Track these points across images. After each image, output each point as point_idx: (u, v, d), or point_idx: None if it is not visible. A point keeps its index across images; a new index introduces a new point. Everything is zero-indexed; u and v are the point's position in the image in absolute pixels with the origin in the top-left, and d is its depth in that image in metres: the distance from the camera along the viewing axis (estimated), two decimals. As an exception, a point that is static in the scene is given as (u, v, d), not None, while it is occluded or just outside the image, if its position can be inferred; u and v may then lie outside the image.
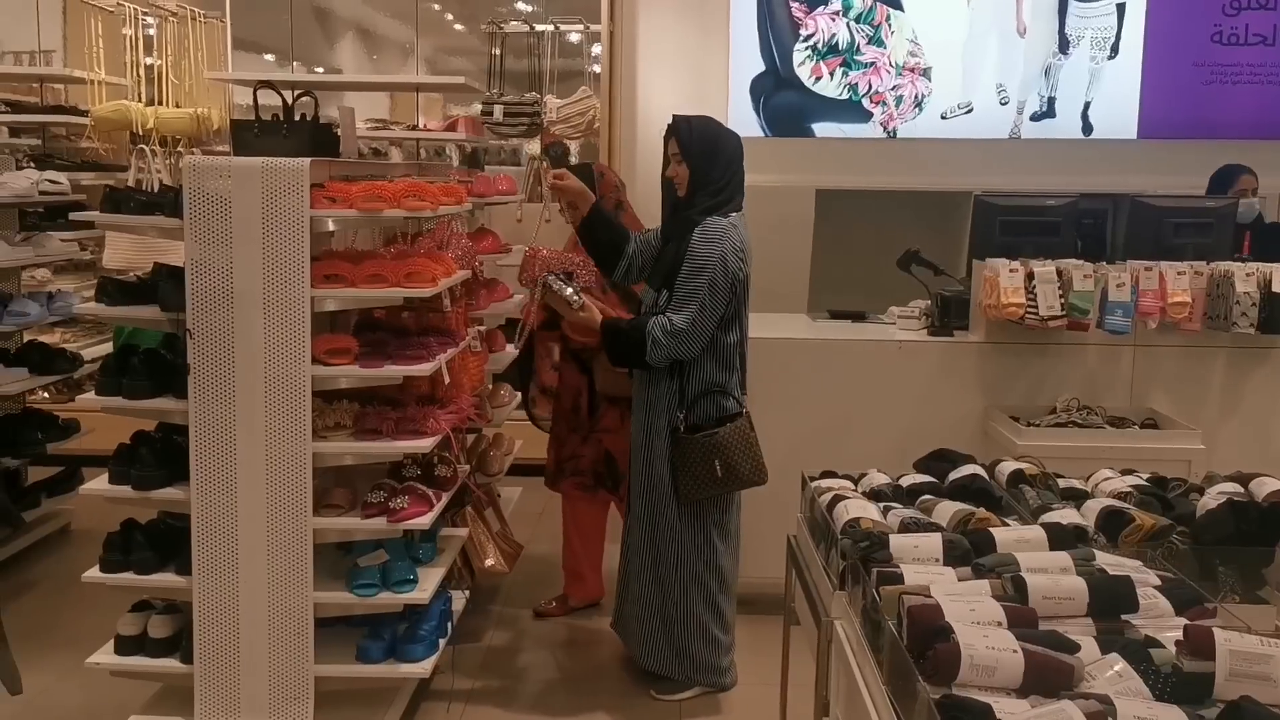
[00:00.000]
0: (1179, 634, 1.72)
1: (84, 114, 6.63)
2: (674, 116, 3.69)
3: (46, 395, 5.88)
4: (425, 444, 3.31)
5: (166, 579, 3.32)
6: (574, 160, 7.63)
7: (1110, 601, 1.86)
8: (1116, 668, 1.67)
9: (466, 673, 3.91)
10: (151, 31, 6.93)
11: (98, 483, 3.38)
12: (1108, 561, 2.03)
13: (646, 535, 3.68)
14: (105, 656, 3.35)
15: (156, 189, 3.99)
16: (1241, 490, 2.48)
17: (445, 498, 3.50)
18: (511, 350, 4.52)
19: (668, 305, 3.53)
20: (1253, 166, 5.43)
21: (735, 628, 3.81)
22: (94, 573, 3.35)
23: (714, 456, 3.49)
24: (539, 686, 3.87)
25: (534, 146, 6.80)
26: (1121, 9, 6.31)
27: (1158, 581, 1.97)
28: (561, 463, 4.35)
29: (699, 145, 3.60)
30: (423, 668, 3.36)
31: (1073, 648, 1.70)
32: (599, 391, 4.23)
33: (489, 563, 4.03)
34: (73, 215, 3.83)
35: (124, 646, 3.35)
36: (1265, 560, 2.23)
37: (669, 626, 3.68)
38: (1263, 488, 2.45)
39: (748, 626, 3.85)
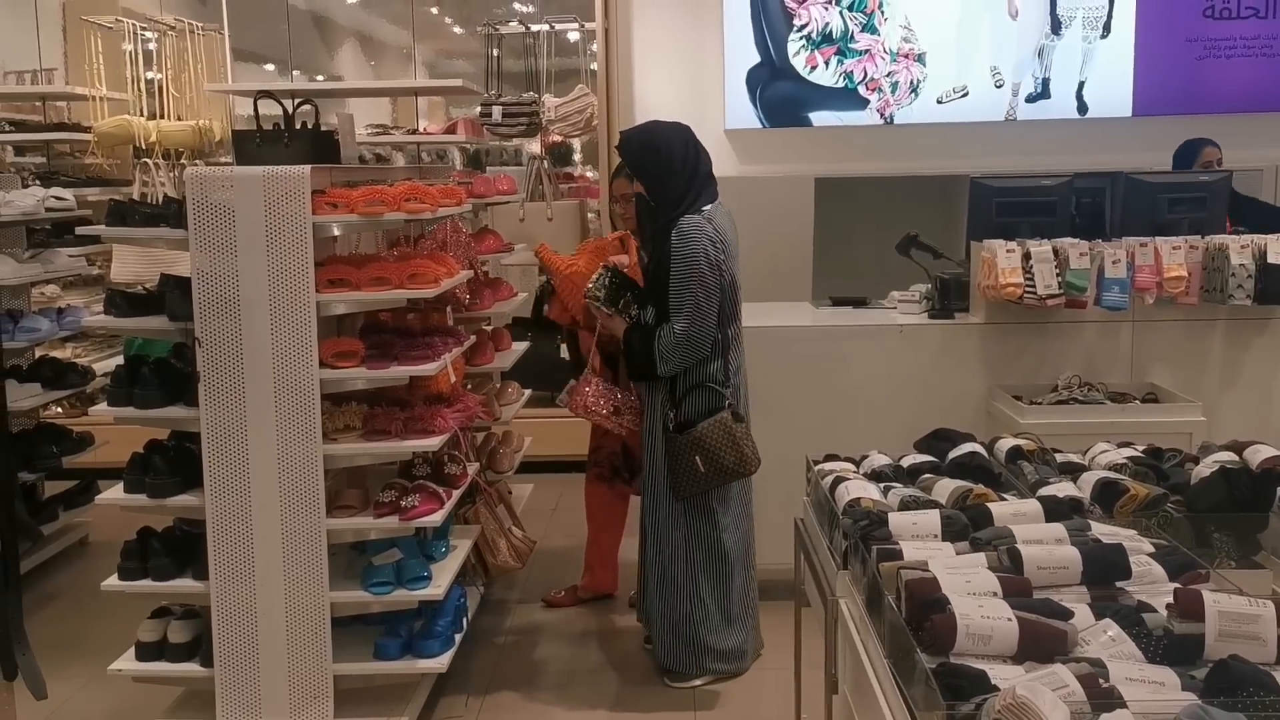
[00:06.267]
0: (1171, 598, 1.76)
1: (87, 130, 6.70)
2: (620, 135, 3.74)
3: (60, 410, 5.94)
4: (433, 442, 3.36)
5: (184, 585, 3.38)
6: (578, 159, 7.69)
7: (1103, 569, 1.90)
8: (1110, 633, 1.71)
9: (484, 666, 3.97)
10: (151, 46, 6.99)
11: (113, 492, 3.43)
12: (1102, 531, 2.07)
13: (653, 528, 3.73)
14: (127, 663, 3.41)
15: (161, 201, 4.04)
16: (1236, 459, 2.50)
17: (456, 495, 3.55)
18: (518, 349, 4.57)
19: (657, 321, 3.58)
20: (1248, 139, 5.45)
21: (753, 612, 3.85)
22: (113, 581, 3.41)
23: (694, 452, 3.53)
24: (555, 679, 3.92)
25: (535, 146, 6.85)
26: (1112, -13, 6.33)
27: (1151, 549, 2.01)
28: (589, 452, 4.44)
29: (640, 161, 3.65)
30: (440, 663, 3.41)
31: (1066, 614, 1.74)
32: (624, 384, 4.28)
33: (501, 559, 4.07)
34: (79, 230, 3.89)
35: (145, 653, 3.41)
36: (1260, 526, 2.26)
37: (676, 617, 3.71)
38: (1257, 455, 2.48)
39: (763, 612, 3.89)
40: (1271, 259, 3.96)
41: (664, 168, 3.61)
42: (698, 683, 3.77)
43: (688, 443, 3.55)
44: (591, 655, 4.10)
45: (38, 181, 6.00)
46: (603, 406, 3.84)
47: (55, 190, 5.30)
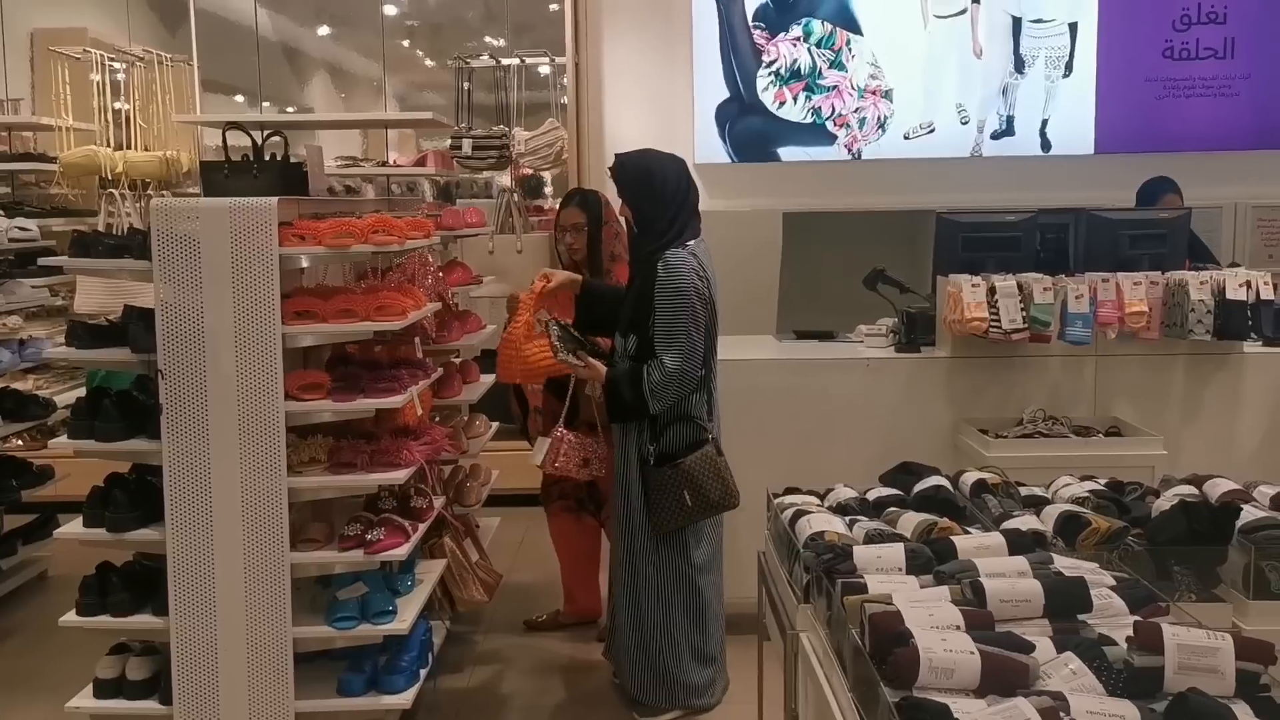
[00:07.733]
0: (1131, 631, 1.77)
1: (53, 160, 6.64)
2: (615, 157, 3.70)
3: (20, 442, 5.86)
4: (400, 475, 3.34)
5: (144, 620, 3.33)
6: (549, 191, 7.71)
7: (1065, 602, 1.91)
8: (1071, 666, 1.72)
9: (449, 702, 3.93)
10: (119, 76, 6.96)
11: (72, 526, 3.39)
12: (1065, 564, 2.08)
13: (626, 561, 3.71)
14: (84, 700, 3.36)
15: (125, 232, 4.02)
16: (1196, 492, 2.54)
17: (422, 528, 3.53)
18: (486, 381, 4.55)
19: (638, 350, 3.57)
20: (1207, 177, 5.54)
21: (722, 646, 3.83)
22: (71, 617, 3.36)
23: (682, 486, 3.52)
24: (522, 713, 3.88)
25: (505, 179, 6.86)
26: (1074, 28, 6.45)
27: (1113, 582, 2.03)
28: (548, 485, 4.41)
29: (632, 186, 3.62)
30: (404, 698, 3.37)
31: (1028, 648, 1.74)
32: (581, 419, 4.25)
33: (468, 593, 4.04)
34: (41, 260, 3.85)
35: (103, 690, 3.36)
36: (1219, 558, 2.29)
37: (648, 650, 3.69)
38: (1216, 489, 2.51)
39: (730, 647, 3.87)
40: (1230, 295, 4.02)
41: (654, 197, 3.59)
42: (667, 717, 3.75)
43: (676, 477, 3.53)
44: (559, 689, 4.07)
45: (2, 212, 5.95)
46: (571, 463, 3.84)
47: (19, 220, 5.27)
